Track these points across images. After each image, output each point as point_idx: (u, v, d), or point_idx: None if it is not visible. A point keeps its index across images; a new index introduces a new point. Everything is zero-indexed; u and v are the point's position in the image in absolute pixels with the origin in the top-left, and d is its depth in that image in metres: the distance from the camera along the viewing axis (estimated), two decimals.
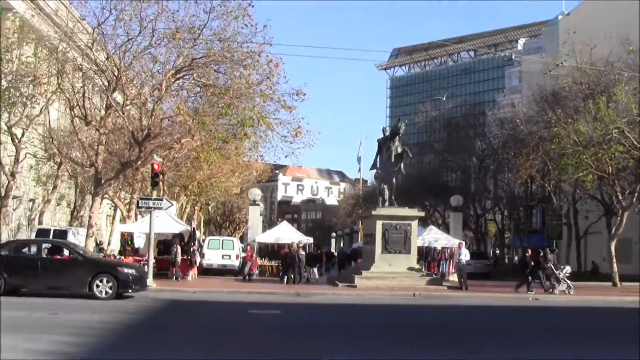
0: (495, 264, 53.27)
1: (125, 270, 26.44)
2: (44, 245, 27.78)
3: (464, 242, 41.58)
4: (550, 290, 35.32)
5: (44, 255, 26.74)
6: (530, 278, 35.92)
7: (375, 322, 21.80)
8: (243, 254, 46.20)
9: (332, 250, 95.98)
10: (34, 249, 27.43)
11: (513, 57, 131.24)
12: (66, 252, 26.94)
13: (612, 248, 43.81)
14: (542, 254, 36.91)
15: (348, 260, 52.69)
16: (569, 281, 35.49)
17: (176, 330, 17.61)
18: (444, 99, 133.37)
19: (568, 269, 37.18)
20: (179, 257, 39.12)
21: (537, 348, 16.09)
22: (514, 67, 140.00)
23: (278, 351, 14.36)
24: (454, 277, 42.89)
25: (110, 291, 25.14)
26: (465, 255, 38.67)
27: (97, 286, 25.13)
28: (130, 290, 26.09)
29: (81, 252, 27.79)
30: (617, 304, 31.76)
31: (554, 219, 67.84)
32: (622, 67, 43.55)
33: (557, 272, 35.57)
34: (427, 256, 47.62)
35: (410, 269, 37.44)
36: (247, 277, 40.83)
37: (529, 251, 39.02)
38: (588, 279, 47.16)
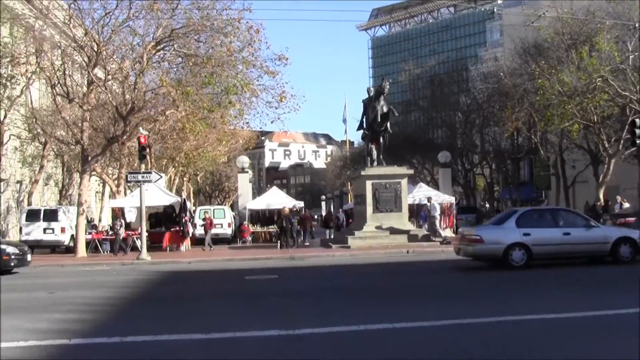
0: (480, 218, 53.17)
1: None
2: None
3: (432, 197, 41.69)
4: None
5: None
6: None
7: (369, 282, 21.91)
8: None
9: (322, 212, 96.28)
10: None
11: (494, 10, 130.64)
12: None
13: (601, 195, 44.04)
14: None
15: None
16: None
17: (175, 301, 17.65)
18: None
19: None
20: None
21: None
22: (495, 20, 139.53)
23: (279, 315, 14.41)
24: (446, 232, 43.14)
25: None
26: (435, 210, 39.04)
27: None
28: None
29: None
30: None
31: (542, 170, 68.23)
32: (604, 16, 43.55)
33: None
34: (419, 213, 47.78)
35: (402, 226, 37.65)
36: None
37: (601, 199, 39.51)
38: None
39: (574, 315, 13.00)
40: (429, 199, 41.05)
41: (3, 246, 26.29)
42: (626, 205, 39.68)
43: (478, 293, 17.74)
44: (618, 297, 15.47)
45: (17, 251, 26.51)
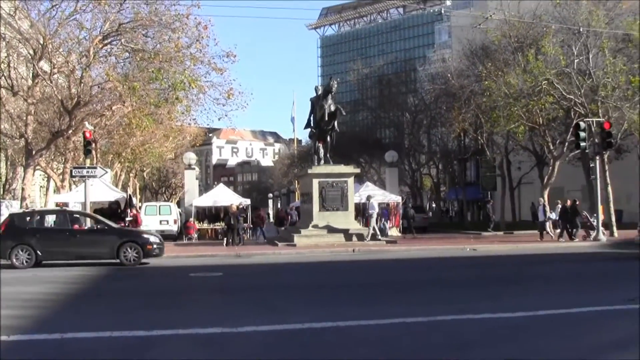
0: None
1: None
2: None
3: (372, 196, 41.93)
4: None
5: None
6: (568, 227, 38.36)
7: (314, 280, 21.93)
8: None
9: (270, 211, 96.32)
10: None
11: (442, 12, 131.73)
12: None
13: (545, 197, 44.61)
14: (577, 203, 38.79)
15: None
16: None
17: (116, 298, 17.49)
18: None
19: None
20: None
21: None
22: (444, 22, 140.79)
23: (217, 313, 14.35)
24: (392, 232, 43.44)
25: None
26: (373, 208, 39.30)
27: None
28: None
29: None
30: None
31: (488, 170, 68.94)
32: (550, 20, 44.11)
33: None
34: (365, 212, 48.00)
35: (348, 225, 37.75)
36: None
37: (568, 202, 39.88)
38: (525, 228, 47.97)
39: None
40: (367, 198, 41.21)
41: None
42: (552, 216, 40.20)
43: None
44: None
45: None
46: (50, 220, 28.79)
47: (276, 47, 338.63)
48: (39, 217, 28.22)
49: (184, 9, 35.13)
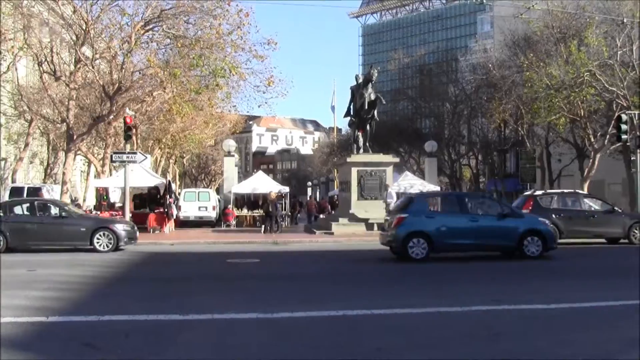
0: None
1: None
2: None
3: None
4: None
5: None
6: None
7: (350, 268, 21.93)
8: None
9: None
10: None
11: (484, 1, 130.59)
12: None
13: (585, 190, 44.20)
14: None
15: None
16: None
17: (153, 282, 17.65)
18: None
19: None
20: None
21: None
22: (486, 12, 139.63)
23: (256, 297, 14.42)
24: None
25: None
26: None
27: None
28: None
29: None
30: None
31: (528, 162, 68.42)
32: (593, 11, 43.60)
33: None
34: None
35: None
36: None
37: None
38: None
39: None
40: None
41: None
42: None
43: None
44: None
45: None
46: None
47: (317, 35, 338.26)
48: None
49: None
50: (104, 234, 26.21)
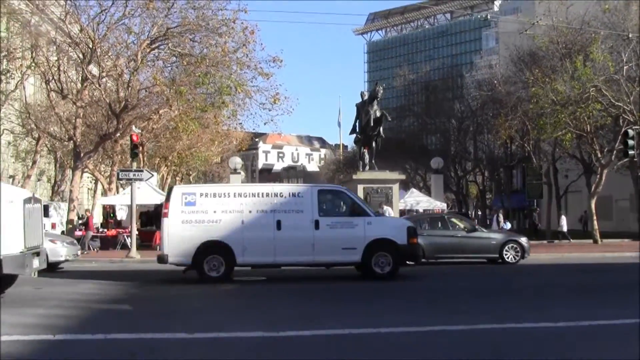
0: None
1: None
2: None
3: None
4: None
5: None
6: None
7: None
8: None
9: None
10: None
11: (489, 18, 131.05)
12: None
13: (592, 206, 44.15)
14: None
15: None
16: None
17: (162, 300, 17.63)
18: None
19: None
20: None
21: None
22: (491, 28, 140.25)
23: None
24: None
25: None
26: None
27: None
28: None
29: None
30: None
31: (534, 178, 68.23)
32: (598, 26, 43.64)
33: None
34: None
35: None
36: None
37: None
38: (572, 237, 47.50)
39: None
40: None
41: None
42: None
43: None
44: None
45: None
46: None
47: (323, 52, 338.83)
48: None
49: (231, 13, 35.47)
50: None
